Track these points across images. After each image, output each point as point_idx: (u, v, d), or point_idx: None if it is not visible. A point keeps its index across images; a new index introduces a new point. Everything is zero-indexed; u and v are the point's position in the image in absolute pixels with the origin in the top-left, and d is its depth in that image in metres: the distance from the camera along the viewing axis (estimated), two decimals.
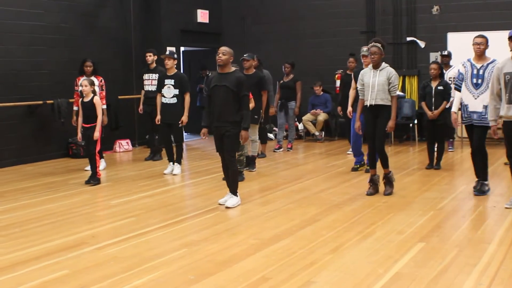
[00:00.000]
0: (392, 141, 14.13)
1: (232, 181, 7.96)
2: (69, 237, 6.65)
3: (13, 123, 11.90)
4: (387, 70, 8.28)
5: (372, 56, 8.26)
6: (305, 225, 6.96)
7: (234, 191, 7.99)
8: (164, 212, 7.74)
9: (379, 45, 8.27)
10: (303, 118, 15.05)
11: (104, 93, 11.19)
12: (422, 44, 14.95)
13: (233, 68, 7.84)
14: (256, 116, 10.32)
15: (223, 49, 7.77)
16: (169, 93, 10.25)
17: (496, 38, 13.52)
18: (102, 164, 10.91)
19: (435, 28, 14.80)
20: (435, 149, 10.61)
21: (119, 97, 13.57)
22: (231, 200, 7.93)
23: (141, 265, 5.60)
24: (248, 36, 16.62)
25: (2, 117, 11.68)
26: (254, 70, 10.88)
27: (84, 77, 10.47)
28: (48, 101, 12.21)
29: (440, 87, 10.29)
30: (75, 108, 11.07)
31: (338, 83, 15.12)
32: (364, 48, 10.04)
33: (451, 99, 9.57)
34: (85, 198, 8.79)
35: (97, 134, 9.50)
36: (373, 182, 8.55)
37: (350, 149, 12.18)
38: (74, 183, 9.83)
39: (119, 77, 13.96)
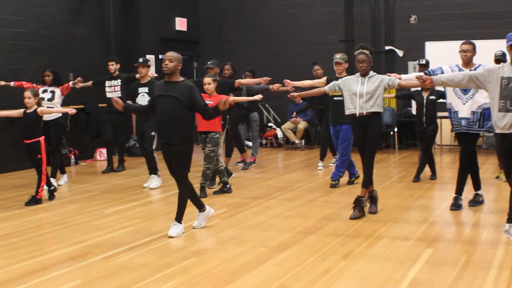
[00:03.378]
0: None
1: (182, 207, 6.93)
2: (72, 246, 6.53)
3: None
4: (377, 77, 7.69)
5: (361, 65, 7.61)
6: (309, 232, 6.95)
7: (180, 219, 6.98)
8: (163, 220, 7.63)
9: (367, 52, 7.68)
10: (283, 126, 15.09)
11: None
12: (400, 53, 15.12)
13: (181, 78, 6.83)
14: (222, 122, 9.61)
15: (170, 55, 6.69)
16: (144, 101, 9.75)
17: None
18: (63, 179, 10.50)
19: (413, 37, 15.00)
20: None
21: (99, 105, 13.39)
22: (175, 228, 6.93)
23: (154, 274, 5.52)
24: (226, 43, 16.63)
25: None
26: (218, 77, 10.56)
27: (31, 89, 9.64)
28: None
29: (432, 97, 10.14)
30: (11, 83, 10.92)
31: None
32: (337, 55, 9.86)
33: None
34: (76, 207, 8.64)
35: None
36: (359, 204, 7.73)
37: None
38: (61, 192, 9.68)
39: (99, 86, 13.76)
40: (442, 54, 13.95)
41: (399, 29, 15.19)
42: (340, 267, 5.67)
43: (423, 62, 12.54)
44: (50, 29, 12.85)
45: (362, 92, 7.64)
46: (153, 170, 10.11)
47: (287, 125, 15.03)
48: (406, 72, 14.45)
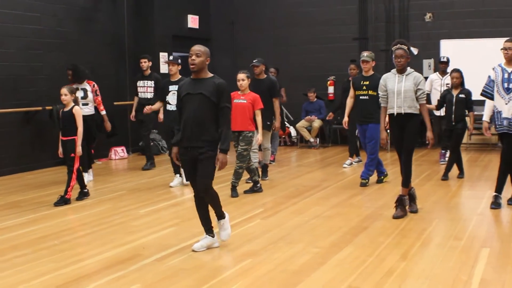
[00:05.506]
0: (389, 148, 14.07)
1: (215, 205, 6.27)
2: (118, 248, 6.35)
3: (11, 130, 11.47)
4: (414, 75, 7.58)
5: (399, 60, 7.46)
6: (357, 232, 6.81)
7: (220, 215, 6.37)
8: None
9: (405, 47, 7.61)
10: (298, 124, 14.95)
11: (100, 98, 10.57)
12: (415, 51, 14.74)
13: (210, 74, 6.09)
14: (268, 123, 9.91)
15: (197, 49, 5.92)
16: (174, 99, 9.64)
17: (488, 45, 13.75)
18: (88, 177, 10.35)
19: (428, 35, 14.89)
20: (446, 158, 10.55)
21: (114, 103, 13.21)
22: (223, 226, 6.39)
23: (215, 277, 5.37)
24: (237, 41, 16.46)
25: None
26: (265, 75, 10.55)
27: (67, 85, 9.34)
28: (47, 107, 11.78)
29: (462, 95, 10.05)
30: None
31: (330, 89, 15.17)
32: (365, 54, 9.87)
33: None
34: (108, 207, 8.46)
35: (79, 150, 8.62)
36: (402, 203, 7.59)
37: (356, 159, 12.09)
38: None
39: (113, 83, 13.65)
40: (457, 52, 13.91)
41: (414, 27, 15.08)
42: (402, 267, 5.54)
43: (444, 59, 12.52)
44: (65, 26, 12.65)
45: (400, 90, 7.49)
46: (176, 169, 9.98)
47: (302, 123, 14.88)
48: (420, 70, 14.33)
